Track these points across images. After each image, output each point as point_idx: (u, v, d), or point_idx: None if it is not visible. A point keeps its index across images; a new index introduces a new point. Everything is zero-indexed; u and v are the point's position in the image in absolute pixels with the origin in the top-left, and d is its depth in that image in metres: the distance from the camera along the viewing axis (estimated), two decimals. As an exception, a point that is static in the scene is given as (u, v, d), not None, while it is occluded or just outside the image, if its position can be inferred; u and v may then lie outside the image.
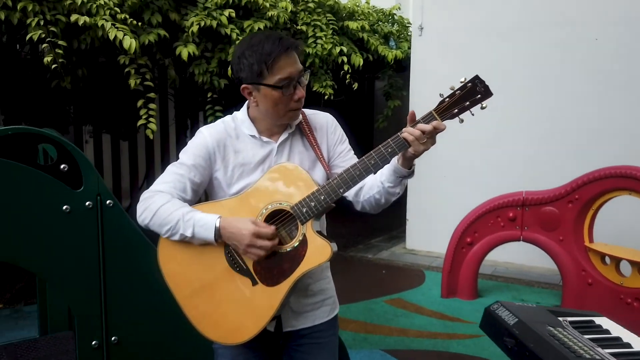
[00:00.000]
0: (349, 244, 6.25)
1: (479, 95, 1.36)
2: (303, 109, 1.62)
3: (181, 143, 5.70)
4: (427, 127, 1.35)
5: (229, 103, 4.49)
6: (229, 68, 4.17)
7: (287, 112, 1.48)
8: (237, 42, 3.14)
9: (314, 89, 5.07)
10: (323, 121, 1.63)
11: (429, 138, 1.36)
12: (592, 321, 1.32)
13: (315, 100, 5.12)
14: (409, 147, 1.38)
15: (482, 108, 1.38)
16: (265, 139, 1.54)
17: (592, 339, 1.17)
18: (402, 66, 6.39)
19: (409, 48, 6.07)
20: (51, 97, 5.24)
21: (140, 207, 1.48)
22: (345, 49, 5.07)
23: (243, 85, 1.48)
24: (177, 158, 1.53)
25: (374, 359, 3.27)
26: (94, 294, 1.70)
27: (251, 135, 1.53)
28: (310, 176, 1.45)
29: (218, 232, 1.40)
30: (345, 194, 1.53)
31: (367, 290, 4.62)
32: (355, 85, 5.19)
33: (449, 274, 4.43)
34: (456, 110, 1.37)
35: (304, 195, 1.41)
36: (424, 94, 5.63)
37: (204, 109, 4.82)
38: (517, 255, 5.29)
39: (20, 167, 1.59)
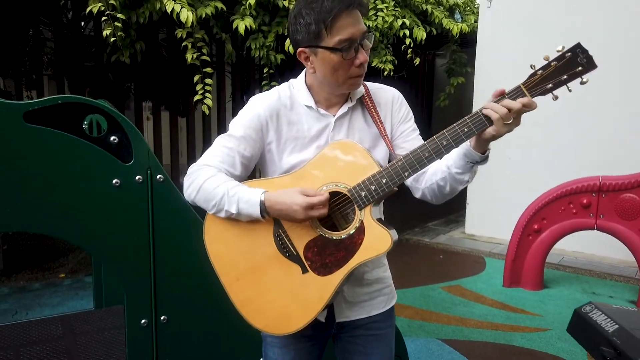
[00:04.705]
0: (404, 227, 6.05)
1: (579, 68, 1.15)
2: (366, 83, 1.46)
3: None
4: (515, 104, 1.16)
5: (286, 79, 4.37)
6: (287, 39, 4.03)
7: (347, 80, 1.32)
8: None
9: (374, 64, 4.87)
10: (388, 96, 1.47)
11: (515, 118, 1.18)
12: None
13: (373, 77, 4.92)
14: (489, 126, 1.20)
15: (582, 83, 1.17)
16: (322, 110, 1.39)
17: None
18: (467, 41, 6.04)
19: (476, 22, 5.71)
20: (112, 73, 5.33)
21: (186, 182, 1.38)
22: (407, 22, 4.82)
23: (300, 49, 1.33)
24: None
25: (431, 349, 3.10)
26: (144, 271, 1.65)
27: (307, 106, 1.39)
28: (372, 156, 1.29)
29: (264, 207, 1.28)
30: None
31: (423, 276, 4.44)
32: (417, 61, 4.94)
33: (513, 262, 4.18)
34: (550, 85, 1.17)
35: (364, 177, 1.27)
36: (491, 70, 5.30)
37: (260, 85, 4.73)
38: (587, 245, 4.93)
39: (70, 138, 1.53)
